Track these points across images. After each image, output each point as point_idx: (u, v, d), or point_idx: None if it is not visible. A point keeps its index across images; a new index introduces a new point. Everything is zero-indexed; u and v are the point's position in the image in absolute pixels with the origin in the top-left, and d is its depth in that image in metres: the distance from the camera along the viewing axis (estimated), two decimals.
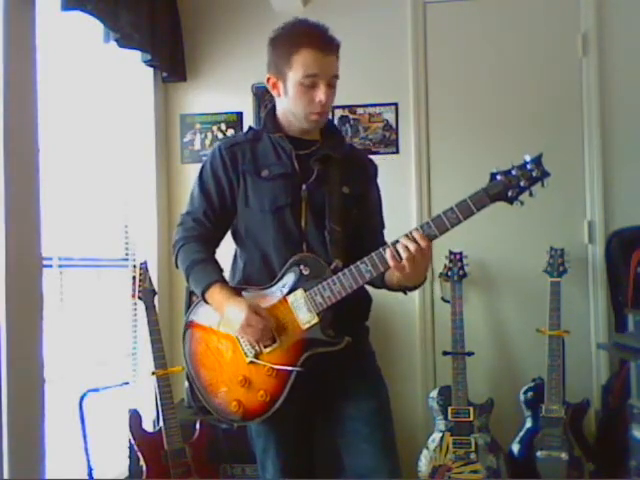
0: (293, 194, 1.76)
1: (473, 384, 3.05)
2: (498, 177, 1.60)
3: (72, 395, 2.57)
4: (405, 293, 1.79)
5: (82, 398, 2.54)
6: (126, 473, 2.80)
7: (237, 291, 1.74)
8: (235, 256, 1.88)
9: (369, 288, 1.80)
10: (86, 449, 2.52)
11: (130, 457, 2.70)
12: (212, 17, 3.52)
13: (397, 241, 1.60)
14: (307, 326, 1.67)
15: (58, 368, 2.63)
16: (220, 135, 3.49)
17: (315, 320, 1.66)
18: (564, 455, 2.87)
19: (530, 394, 3.01)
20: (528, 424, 3.00)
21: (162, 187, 3.48)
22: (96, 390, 2.60)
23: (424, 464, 2.98)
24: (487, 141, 3.30)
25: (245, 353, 1.72)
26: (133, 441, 2.61)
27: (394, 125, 3.37)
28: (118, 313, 3.22)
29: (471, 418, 2.96)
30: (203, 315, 1.79)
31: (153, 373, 2.67)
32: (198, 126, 3.53)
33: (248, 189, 1.79)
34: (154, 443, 2.61)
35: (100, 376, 2.91)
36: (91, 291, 3.08)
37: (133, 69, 3.31)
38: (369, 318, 1.89)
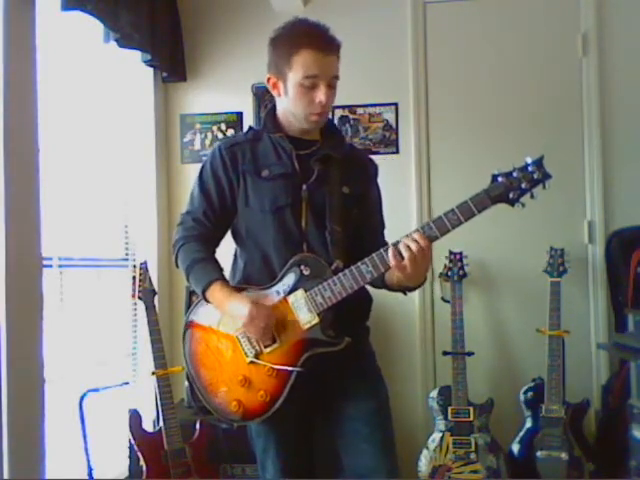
0: (293, 194, 1.76)
1: (473, 384, 3.05)
2: (499, 179, 1.60)
3: (72, 395, 2.57)
4: (405, 294, 1.79)
5: (82, 398, 2.54)
6: (126, 473, 2.80)
7: (237, 290, 1.74)
8: (235, 256, 1.89)
9: (369, 288, 1.80)
10: (86, 449, 2.52)
11: (130, 457, 2.70)
12: (212, 17, 3.52)
13: (398, 241, 1.60)
14: (307, 326, 1.67)
15: (58, 368, 2.63)
16: (220, 135, 3.49)
17: (315, 320, 1.66)
18: (564, 455, 2.87)
19: (530, 394, 3.01)
20: (528, 424, 3.00)
21: (162, 187, 3.48)
22: (96, 390, 2.60)
23: (424, 464, 2.98)
24: (487, 141, 3.31)
25: (245, 353, 1.72)
26: (133, 441, 2.61)
27: (394, 125, 3.37)
28: (118, 313, 3.22)
29: (471, 418, 2.96)
30: (203, 315, 1.80)
31: (153, 373, 2.67)
32: (198, 126, 3.53)
33: (248, 189, 1.79)
34: (154, 443, 2.61)
35: (100, 376, 2.91)
36: (91, 291, 3.08)
37: (133, 69, 3.31)
38: (369, 318, 1.89)
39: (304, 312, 1.67)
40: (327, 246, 1.74)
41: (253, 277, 1.79)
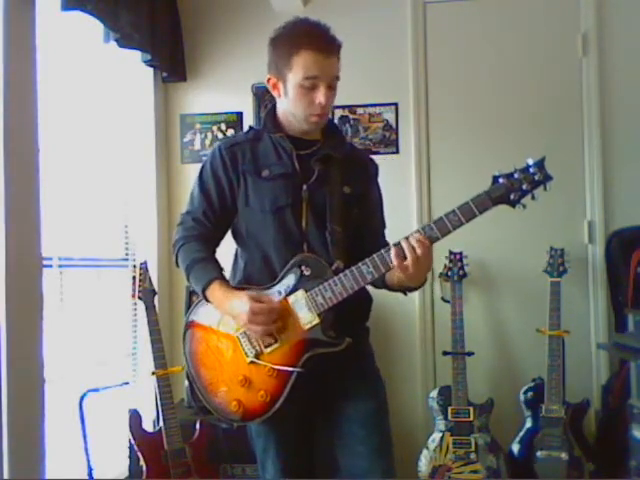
0: (294, 194, 1.75)
1: (473, 384, 3.05)
2: (500, 180, 1.60)
3: (72, 395, 2.57)
4: (405, 294, 1.79)
5: (82, 398, 2.54)
6: (126, 473, 2.80)
7: (237, 289, 1.73)
8: (236, 256, 1.89)
9: (370, 288, 1.79)
10: (86, 449, 2.52)
11: (130, 457, 2.70)
12: (212, 17, 3.52)
13: (399, 242, 1.60)
14: (308, 326, 1.67)
15: (58, 368, 2.63)
16: (220, 135, 3.49)
17: (316, 321, 1.66)
18: (564, 455, 2.87)
19: (530, 394, 3.01)
20: (528, 424, 3.00)
21: (162, 187, 3.48)
22: (96, 390, 2.60)
23: (424, 464, 2.98)
24: (487, 141, 3.31)
25: (245, 353, 1.72)
26: (133, 441, 2.61)
27: (394, 125, 3.37)
28: (118, 313, 3.22)
29: (471, 418, 2.96)
30: (203, 315, 1.79)
31: (153, 373, 2.67)
32: (198, 126, 3.53)
33: (248, 189, 1.79)
34: (154, 443, 2.61)
35: (100, 376, 2.91)
36: (91, 291, 3.07)
37: (133, 69, 3.31)
38: (369, 319, 1.89)
39: (305, 312, 1.67)
40: (327, 246, 1.74)
41: (253, 277, 1.79)
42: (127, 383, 2.91)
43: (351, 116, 3.39)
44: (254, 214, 1.79)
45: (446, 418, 2.99)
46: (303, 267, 1.69)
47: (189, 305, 2.94)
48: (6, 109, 2.22)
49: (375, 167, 1.93)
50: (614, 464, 2.75)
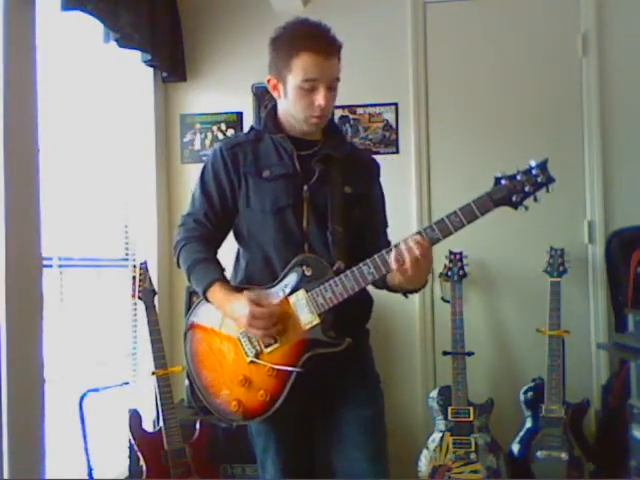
0: (295, 195, 1.75)
1: (473, 384, 3.05)
2: (502, 182, 1.59)
3: (72, 395, 2.57)
4: (406, 296, 1.79)
5: (82, 398, 2.54)
6: (126, 473, 2.79)
7: (238, 290, 1.73)
8: (237, 255, 1.88)
9: (371, 290, 1.79)
10: (86, 449, 2.52)
11: (130, 457, 2.70)
12: (212, 17, 3.52)
13: (398, 244, 1.60)
14: (308, 327, 1.67)
15: (58, 368, 2.62)
16: (220, 135, 3.49)
17: (316, 321, 1.66)
18: (564, 455, 2.87)
19: (530, 394, 3.01)
20: (528, 424, 3.00)
21: (162, 187, 3.48)
22: (96, 390, 2.60)
23: (424, 464, 2.98)
24: (487, 141, 3.31)
25: (246, 353, 1.72)
26: (133, 441, 2.61)
27: (394, 125, 3.37)
28: (118, 313, 3.22)
29: (471, 418, 2.96)
30: (204, 316, 1.79)
31: (153, 373, 2.67)
32: (198, 126, 3.53)
33: (249, 190, 1.78)
34: (154, 443, 2.61)
35: (100, 376, 2.91)
36: (91, 291, 3.07)
37: (133, 69, 3.31)
38: (370, 320, 1.88)
39: (305, 312, 1.67)
40: (329, 246, 1.74)
41: (255, 277, 1.79)
42: (127, 383, 2.91)
43: (351, 116, 3.39)
44: (255, 215, 1.78)
45: (446, 418, 2.99)
46: (304, 267, 1.69)
47: (189, 305, 2.94)
48: (6, 109, 2.22)
49: (377, 166, 1.93)
50: (614, 464, 2.75)
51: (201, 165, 1.88)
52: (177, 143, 3.55)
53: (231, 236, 1.88)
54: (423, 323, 3.32)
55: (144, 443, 2.61)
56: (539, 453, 2.91)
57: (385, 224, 1.92)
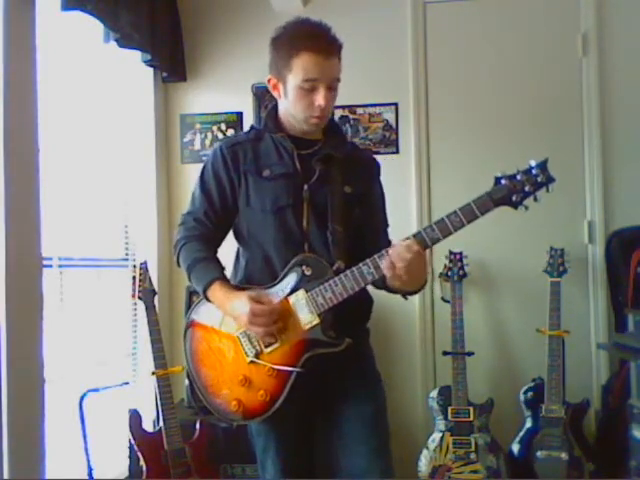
0: (295, 194, 1.75)
1: (473, 384, 3.05)
2: (502, 181, 1.59)
3: (72, 395, 2.57)
4: (405, 298, 1.79)
5: (82, 398, 2.54)
6: (126, 473, 2.79)
7: (239, 289, 1.73)
8: (237, 255, 1.89)
9: (371, 290, 1.79)
10: (86, 449, 2.52)
11: (130, 457, 2.70)
12: (212, 17, 3.52)
13: (388, 250, 1.60)
14: (308, 327, 1.67)
15: (58, 368, 2.62)
16: (220, 135, 3.49)
17: (316, 321, 1.66)
18: (564, 455, 2.87)
19: (530, 394, 3.01)
20: (528, 424, 3.00)
21: (162, 187, 3.48)
22: (96, 390, 2.60)
23: (424, 464, 2.98)
24: (487, 141, 3.31)
25: (246, 352, 1.72)
26: (133, 441, 2.61)
27: (394, 125, 3.37)
28: (118, 313, 3.22)
29: (471, 418, 2.96)
30: (204, 314, 1.80)
31: (153, 373, 2.67)
32: (198, 126, 3.53)
33: (249, 189, 1.79)
34: (154, 443, 2.61)
35: (100, 376, 2.91)
36: (91, 291, 3.07)
37: (133, 69, 3.31)
38: (370, 320, 1.88)
39: (305, 312, 1.67)
40: (329, 246, 1.74)
41: (254, 276, 1.79)
42: (127, 383, 2.91)
43: (351, 116, 3.39)
44: (255, 214, 1.78)
45: (446, 418, 2.99)
46: (304, 267, 1.69)
47: (189, 305, 2.94)
48: (6, 109, 2.22)
49: (377, 166, 1.93)
50: (614, 464, 2.75)
51: (201, 165, 1.88)
52: (177, 143, 3.55)
53: (231, 235, 1.88)
54: (423, 323, 3.32)
55: (144, 443, 2.61)
56: (539, 453, 2.91)
57: (385, 223, 1.92)
